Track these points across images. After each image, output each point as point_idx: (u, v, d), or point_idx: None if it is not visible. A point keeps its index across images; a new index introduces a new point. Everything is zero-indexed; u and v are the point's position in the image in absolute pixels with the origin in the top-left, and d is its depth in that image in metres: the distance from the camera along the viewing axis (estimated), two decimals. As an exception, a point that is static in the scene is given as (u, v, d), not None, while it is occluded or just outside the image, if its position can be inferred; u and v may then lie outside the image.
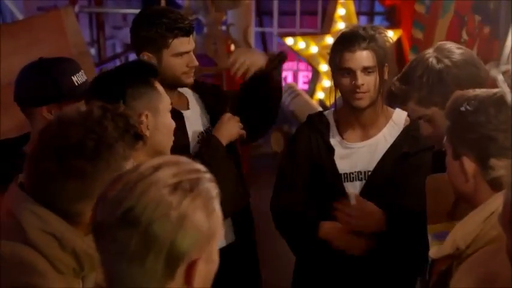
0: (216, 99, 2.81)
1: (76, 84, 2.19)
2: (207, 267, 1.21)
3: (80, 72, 2.24)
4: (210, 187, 1.21)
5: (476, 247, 1.58)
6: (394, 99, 2.18)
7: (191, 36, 2.60)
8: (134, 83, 1.99)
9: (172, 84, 2.61)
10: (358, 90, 2.43)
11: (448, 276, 1.64)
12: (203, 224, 1.17)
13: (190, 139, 2.64)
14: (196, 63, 2.61)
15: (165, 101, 2.07)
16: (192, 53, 2.60)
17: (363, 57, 2.42)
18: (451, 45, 2.13)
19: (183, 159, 1.25)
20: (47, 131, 1.49)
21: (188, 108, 2.73)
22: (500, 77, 1.54)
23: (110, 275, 1.20)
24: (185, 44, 2.56)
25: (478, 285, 1.49)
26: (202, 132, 2.72)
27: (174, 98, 2.66)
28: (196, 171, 1.21)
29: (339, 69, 2.46)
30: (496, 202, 1.58)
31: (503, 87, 1.53)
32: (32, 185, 1.48)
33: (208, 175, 1.23)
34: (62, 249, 1.44)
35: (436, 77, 2.03)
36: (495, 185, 1.62)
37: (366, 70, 2.43)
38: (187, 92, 2.76)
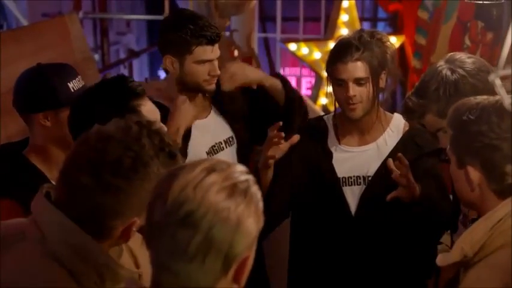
0: (235, 102, 2.79)
1: (72, 90, 2.17)
2: (251, 263, 1.28)
3: (77, 78, 2.22)
4: (257, 190, 1.28)
5: (483, 254, 1.58)
6: (412, 114, 2.18)
7: (216, 45, 2.58)
8: (116, 113, 1.78)
9: (193, 90, 2.61)
10: (350, 101, 2.44)
11: (456, 283, 1.64)
12: (254, 227, 1.25)
13: (193, 151, 2.60)
14: (218, 72, 2.59)
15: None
16: (215, 62, 2.58)
17: (354, 68, 2.41)
18: (461, 55, 2.14)
19: (227, 160, 1.31)
20: (85, 144, 1.48)
21: (208, 114, 2.71)
22: (498, 82, 1.53)
23: (163, 272, 1.24)
24: (208, 52, 2.55)
25: None
26: (220, 142, 2.69)
27: (197, 101, 2.67)
28: (244, 173, 1.28)
29: (332, 80, 2.48)
30: (503, 209, 1.58)
31: (501, 93, 1.53)
32: (64, 196, 1.48)
33: (252, 177, 1.29)
34: (84, 263, 1.44)
35: (453, 88, 2.04)
36: (501, 193, 1.62)
37: (357, 81, 2.42)
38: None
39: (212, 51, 2.56)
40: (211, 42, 2.54)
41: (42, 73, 2.20)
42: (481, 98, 1.66)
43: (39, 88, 2.16)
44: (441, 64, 2.11)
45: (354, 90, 2.42)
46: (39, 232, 1.45)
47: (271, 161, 2.44)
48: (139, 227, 1.50)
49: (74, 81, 2.20)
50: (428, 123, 2.14)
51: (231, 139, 2.72)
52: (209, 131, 2.67)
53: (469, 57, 2.13)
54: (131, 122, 1.50)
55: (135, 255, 1.69)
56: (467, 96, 1.92)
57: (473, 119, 1.61)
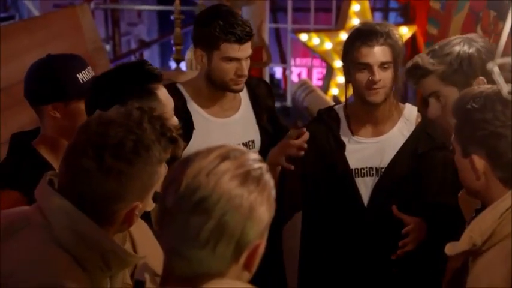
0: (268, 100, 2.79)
1: (81, 81, 2.16)
2: (262, 251, 1.28)
3: (86, 69, 2.21)
4: (270, 178, 1.29)
5: (492, 243, 1.58)
6: (415, 71, 2.19)
7: (246, 44, 2.54)
8: (133, 94, 1.88)
9: (220, 87, 2.59)
10: (374, 85, 2.42)
11: (465, 272, 1.65)
12: (267, 214, 1.26)
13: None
14: (245, 72, 2.55)
15: (166, 109, 1.96)
16: (243, 62, 2.54)
17: (380, 52, 2.41)
18: (475, 35, 2.20)
19: (241, 148, 1.31)
20: (86, 129, 1.49)
21: (235, 113, 2.69)
22: (496, 70, 1.53)
23: (175, 257, 1.25)
24: (235, 50, 2.51)
25: (501, 283, 1.50)
26: (239, 144, 2.60)
27: (226, 99, 2.66)
28: (257, 161, 1.28)
29: (355, 64, 2.44)
30: (511, 198, 1.58)
31: (499, 81, 1.53)
32: (66, 182, 1.49)
33: (265, 165, 1.30)
34: (89, 249, 1.45)
35: (467, 61, 2.08)
36: (506, 181, 1.61)
37: (382, 65, 2.42)
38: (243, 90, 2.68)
39: (239, 50, 2.52)
40: (239, 40, 2.50)
41: (50, 64, 2.20)
42: (485, 87, 1.67)
43: (47, 80, 2.16)
44: (458, 37, 2.16)
45: (379, 74, 2.41)
46: (43, 219, 1.46)
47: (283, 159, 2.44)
48: (142, 211, 1.51)
49: (83, 72, 2.19)
50: (426, 85, 2.17)
51: (251, 143, 2.69)
52: (229, 131, 2.64)
53: (481, 38, 2.21)
54: (132, 107, 1.51)
55: (133, 240, 1.70)
56: (476, 71, 1.94)
57: (477, 108, 1.61)
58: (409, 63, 2.22)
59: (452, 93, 2.05)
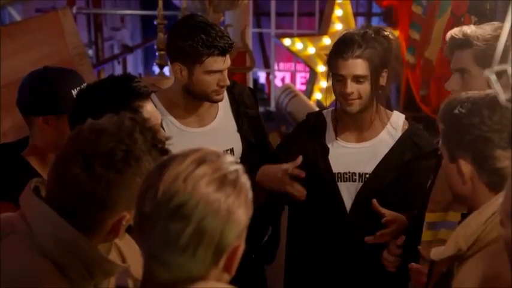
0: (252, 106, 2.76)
1: (75, 97, 2.14)
2: (241, 252, 1.29)
3: (82, 86, 2.18)
4: (246, 180, 1.30)
5: (477, 248, 1.58)
6: (455, 41, 2.13)
7: (227, 55, 2.50)
8: (117, 112, 1.76)
9: (199, 98, 2.56)
10: (348, 97, 2.43)
11: (450, 277, 1.65)
12: (244, 217, 1.27)
13: None
14: (227, 82, 2.52)
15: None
16: (225, 72, 2.51)
17: (354, 65, 2.40)
18: None
19: (217, 151, 1.31)
20: (77, 137, 1.48)
21: (212, 121, 2.66)
22: (493, 77, 1.54)
23: (155, 262, 1.25)
24: (219, 63, 2.47)
25: (481, 286, 1.51)
26: (225, 151, 2.60)
27: (203, 108, 2.62)
28: (233, 163, 1.29)
29: (332, 74, 2.47)
30: (496, 203, 1.58)
31: (496, 88, 1.54)
32: (54, 188, 1.47)
33: (241, 167, 1.30)
34: (71, 257, 1.44)
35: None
36: (493, 186, 1.63)
37: (356, 78, 2.41)
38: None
39: (223, 62, 2.48)
40: (223, 53, 2.46)
41: (46, 77, 2.18)
42: (472, 93, 1.68)
43: (41, 92, 2.15)
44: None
45: (351, 87, 2.40)
46: (26, 226, 1.45)
47: None
48: (129, 222, 1.50)
49: (78, 88, 2.16)
50: (459, 58, 2.13)
51: (229, 151, 2.66)
52: (204, 141, 2.57)
53: None
54: (125, 117, 1.50)
55: (121, 252, 1.68)
56: None
57: (464, 112, 1.63)
58: (455, 30, 2.17)
59: (479, 77, 2.03)
